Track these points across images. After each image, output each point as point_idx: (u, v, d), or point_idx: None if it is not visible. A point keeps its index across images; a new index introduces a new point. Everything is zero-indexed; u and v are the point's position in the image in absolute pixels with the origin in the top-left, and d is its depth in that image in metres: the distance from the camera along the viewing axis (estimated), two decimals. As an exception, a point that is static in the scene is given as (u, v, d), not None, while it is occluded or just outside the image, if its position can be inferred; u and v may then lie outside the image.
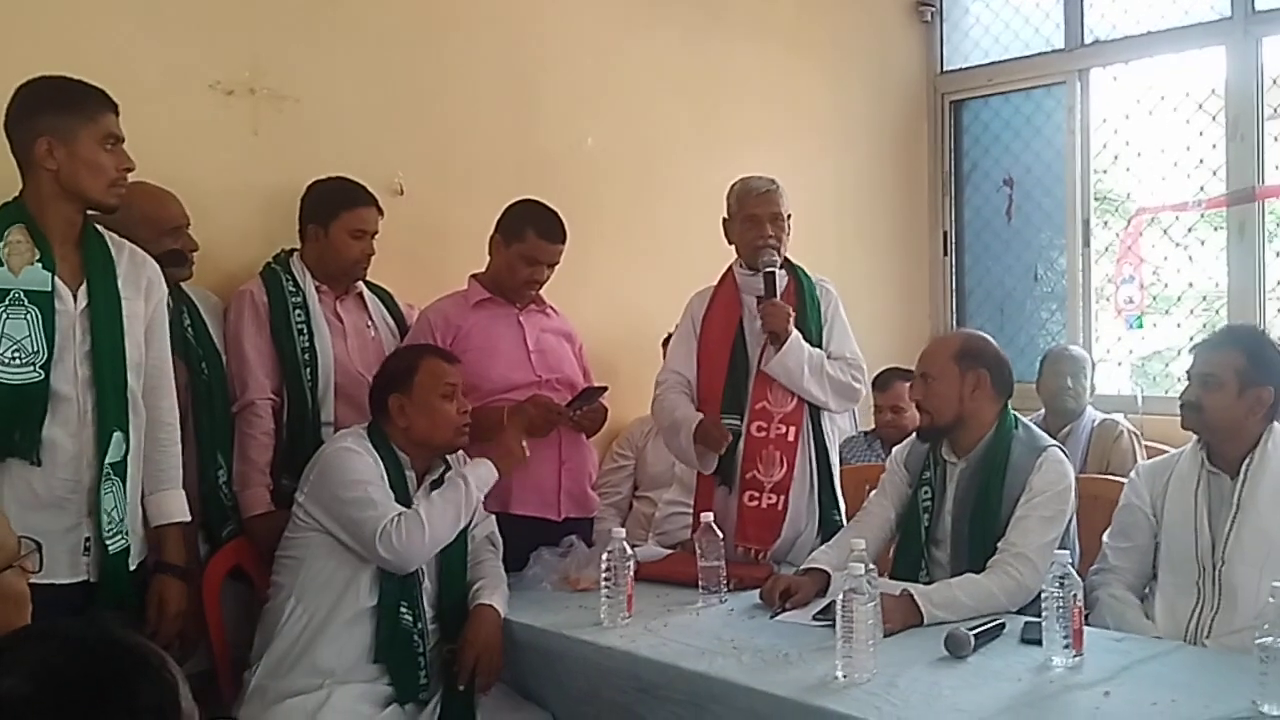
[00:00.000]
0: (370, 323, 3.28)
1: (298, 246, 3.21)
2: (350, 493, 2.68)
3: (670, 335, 3.74)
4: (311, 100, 3.46)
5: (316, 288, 3.17)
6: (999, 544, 2.75)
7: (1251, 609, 2.39)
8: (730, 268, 3.41)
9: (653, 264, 4.40)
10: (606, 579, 2.72)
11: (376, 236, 3.20)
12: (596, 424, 3.36)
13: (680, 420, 3.29)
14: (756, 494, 3.25)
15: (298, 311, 3.08)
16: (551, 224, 3.28)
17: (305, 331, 3.09)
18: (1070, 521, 2.84)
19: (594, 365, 3.55)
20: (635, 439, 4.29)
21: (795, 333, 3.21)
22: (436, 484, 2.83)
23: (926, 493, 2.96)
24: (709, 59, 4.63)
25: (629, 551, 2.77)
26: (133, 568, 2.49)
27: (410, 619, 2.67)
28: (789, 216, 3.33)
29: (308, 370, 3.07)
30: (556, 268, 3.34)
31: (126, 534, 2.44)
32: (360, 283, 3.28)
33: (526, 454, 2.96)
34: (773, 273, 3.24)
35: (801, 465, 3.27)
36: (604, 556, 2.74)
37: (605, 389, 3.32)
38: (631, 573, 2.76)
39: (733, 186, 3.37)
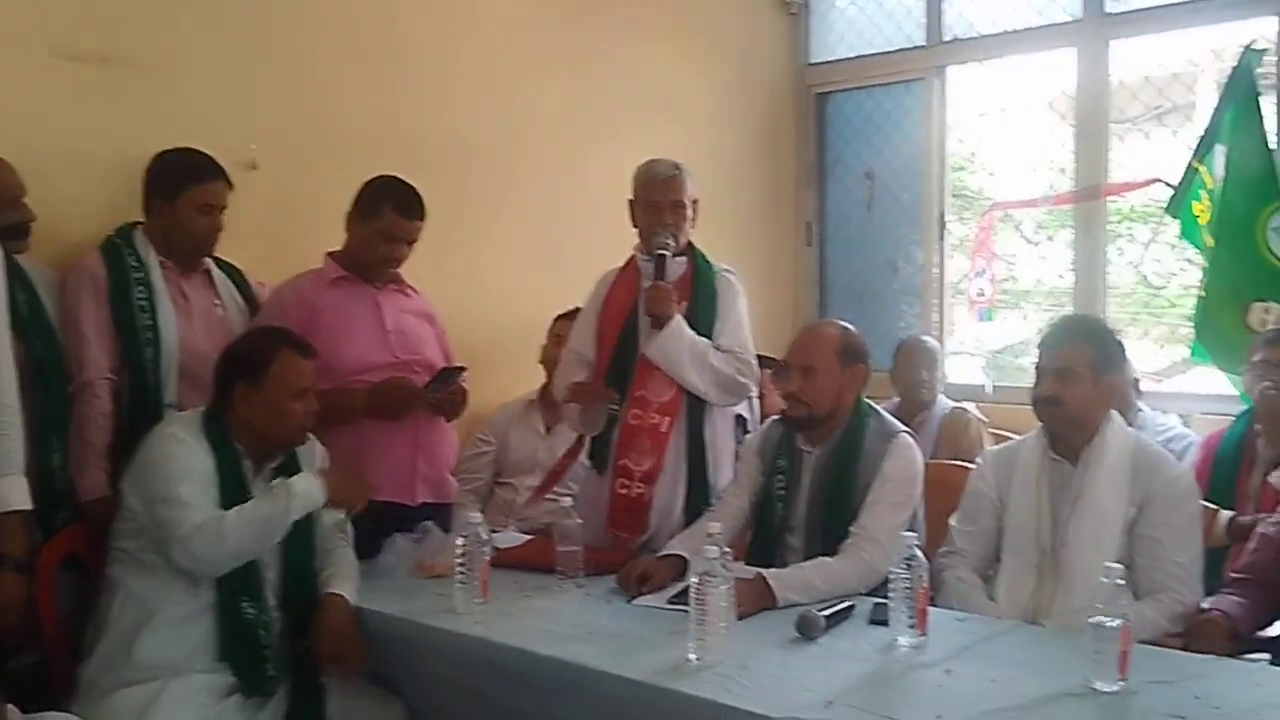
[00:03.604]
0: (218, 301, 3.16)
1: (142, 220, 3.08)
2: (162, 488, 2.54)
3: (560, 315, 3.69)
4: (160, 67, 3.32)
5: (161, 263, 3.04)
6: (851, 527, 2.81)
7: (1087, 590, 2.47)
8: (634, 252, 3.39)
9: (520, 246, 4.35)
10: (461, 565, 2.68)
11: (226, 211, 3.09)
12: (456, 407, 3.30)
13: (568, 395, 3.28)
14: (627, 482, 3.23)
15: (140, 288, 2.95)
16: (410, 201, 3.21)
17: (148, 309, 2.97)
18: (918, 506, 2.91)
19: (457, 348, 3.48)
20: (498, 424, 4.24)
21: (678, 318, 3.19)
22: (279, 471, 2.75)
23: (781, 481, 2.99)
24: (579, 41, 4.60)
25: (485, 536, 2.73)
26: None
27: (254, 612, 2.59)
28: (694, 202, 3.31)
29: (149, 349, 2.94)
30: (416, 247, 3.27)
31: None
32: (208, 259, 3.16)
33: (367, 500, 2.81)
34: (664, 256, 3.22)
35: (674, 458, 3.25)
36: (459, 542, 2.70)
37: (464, 370, 3.26)
38: (487, 558, 2.73)
39: (638, 170, 3.34)
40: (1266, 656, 2.54)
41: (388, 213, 3.18)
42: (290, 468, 2.78)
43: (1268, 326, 3.97)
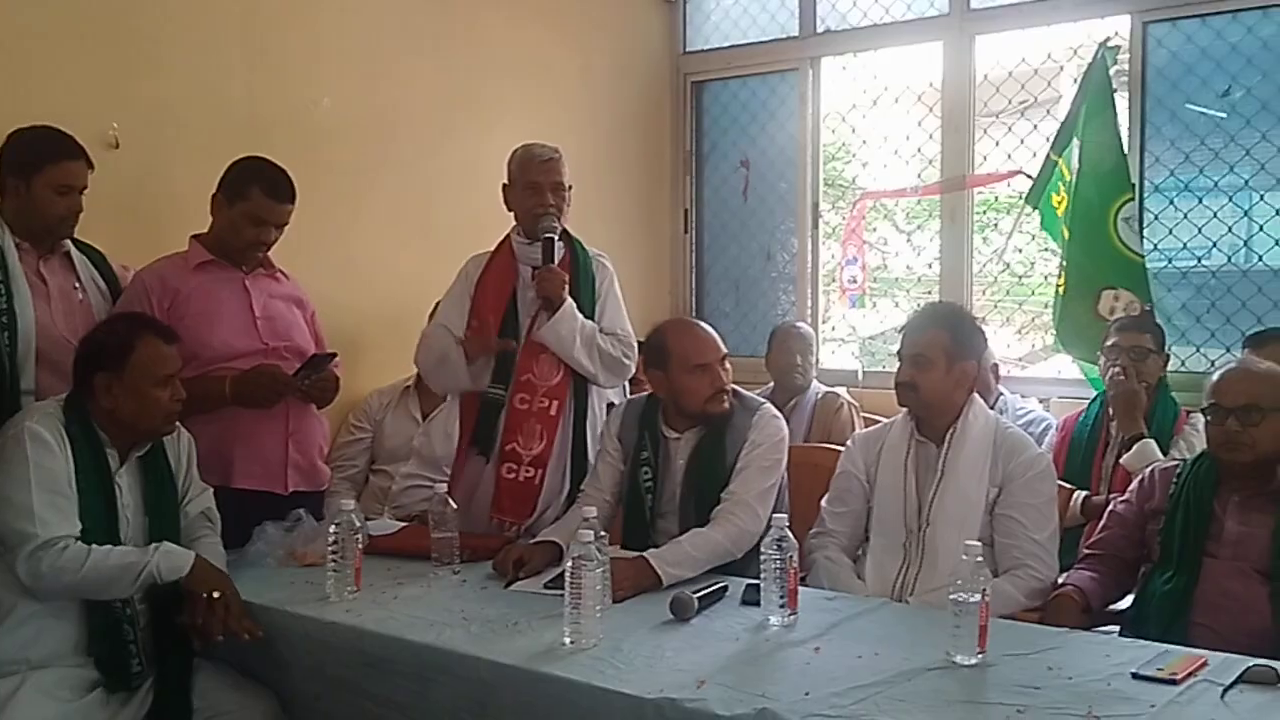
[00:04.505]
0: (78, 284, 3.03)
1: (-4, 201, 2.95)
2: (12, 491, 2.43)
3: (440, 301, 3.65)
4: (14, 43, 3.18)
5: (17, 245, 2.90)
6: (723, 495, 2.87)
7: (950, 568, 2.55)
8: (508, 235, 3.36)
9: (389, 230, 4.30)
10: (333, 553, 2.65)
11: (86, 192, 2.97)
12: (327, 394, 3.24)
13: (448, 346, 3.24)
14: (515, 466, 3.22)
15: (-7, 271, 2.82)
16: (279, 182, 3.13)
17: (3, 292, 2.82)
18: (784, 482, 2.99)
19: (328, 335, 3.42)
20: (373, 411, 4.20)
21: (570, 301, 3.20)
22: (145, 460, 2.67)
23: (647, 472, 3.02)
24: (449, 22, 4.55)
25: (358, 524, 2.70)
26: None
27: (119, 605, 2.50)
28: (569, 187, 3.31)
29: (5, 334, 2.80)
30: (286, 230, 3.20)
31: None
32: (67, 241, 3.03)
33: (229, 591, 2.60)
34: (551, 239, 3.21)
35: (561, 440, 3.26)
36: (332, 530, 2.66)
37: (335, 356, 3.21)
38: (360, 546, 2.70)
39: (514, 152, 3.32)
40: (1116, 629, 2.67)
41: (255, 195, 3.10)
42: (156, 457, 2.70)
43: (1116, 314, 4.16)
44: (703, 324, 3.13)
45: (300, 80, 4.02)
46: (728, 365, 3.02)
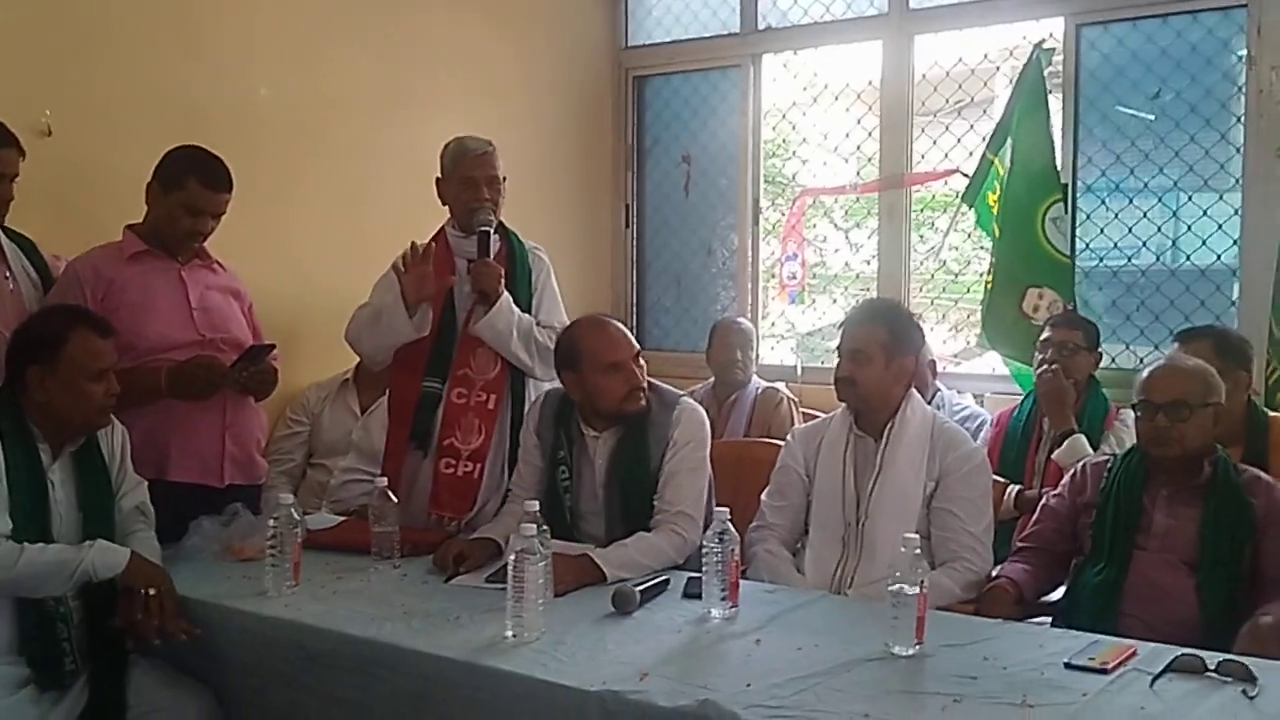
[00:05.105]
0: (9, 274, 2.97)
1: (-78, 189, 2.87)
2: None
3: None
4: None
5: (-56, 234, 2.85)
6: (656, 502, 2.87)
7: (888, 560, 2.59)
8: (442, 229, 3.33)
9: (325, 222, 4.26)
10: (272, 547, 2.62)
11: (17, 180, 2.90)
12: (265, 386, 3.21)
13: (380, 305, 3.20)
14: (453, 461, 3.21)
15: (-80, 259, 2.76)
16: (216, 171, 3.08)
17: (-70, 282, 2.78)
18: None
19: (267, 328, 3.38)
20: (311, 404, 4.16)
21: (506, 295, 3.18)
22: (79, 455, 2.62)
23: (564, 471, 2.98)
24: (386, 13, 4.51)
25: (297, 518, 2.67)
26: None
27: (52, 602, 2.45)
28: (504, 179, 3.29)
29: (-67, 325, 2.76)
30: (223, 220, 3.15)
31: None
32: (-3, 230, 2.97)
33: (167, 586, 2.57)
34: (487, 233, 3.20)
35: (499, 434, 3.25)
36: (271, 523, 2.64)
37: (273, 347, 3.17)
38: (299, 540, 2.67)
39: (447, 146, 3.30)
40: (1048, 620, 2.72)
41: (192, 184, 3.05)
42: (90, 452, 2.65)
43: (1039, 311, 4.24)
44: (614, 321, 3.05)
45: (237, 69, 3.96)
46: (642, 362, 2.97)
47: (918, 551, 2.19)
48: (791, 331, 5.73)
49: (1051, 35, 4.53)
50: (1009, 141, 4.38)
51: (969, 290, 5.52)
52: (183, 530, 2.94)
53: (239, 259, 3.37)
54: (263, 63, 4.05)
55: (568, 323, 3.29)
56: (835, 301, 5.71)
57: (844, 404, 2.97)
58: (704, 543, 2.42)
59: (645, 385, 2.96)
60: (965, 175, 4.65)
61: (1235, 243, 4.27)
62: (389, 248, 3.41)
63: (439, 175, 3.31)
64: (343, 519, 3.34)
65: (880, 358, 2.86)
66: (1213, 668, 2.03)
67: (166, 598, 2.49)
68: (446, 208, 3.33)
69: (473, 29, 4.87)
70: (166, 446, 3.01)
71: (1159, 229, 4.45)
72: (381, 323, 3.21)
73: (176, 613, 2.49)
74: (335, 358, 4.05)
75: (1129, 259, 4.49)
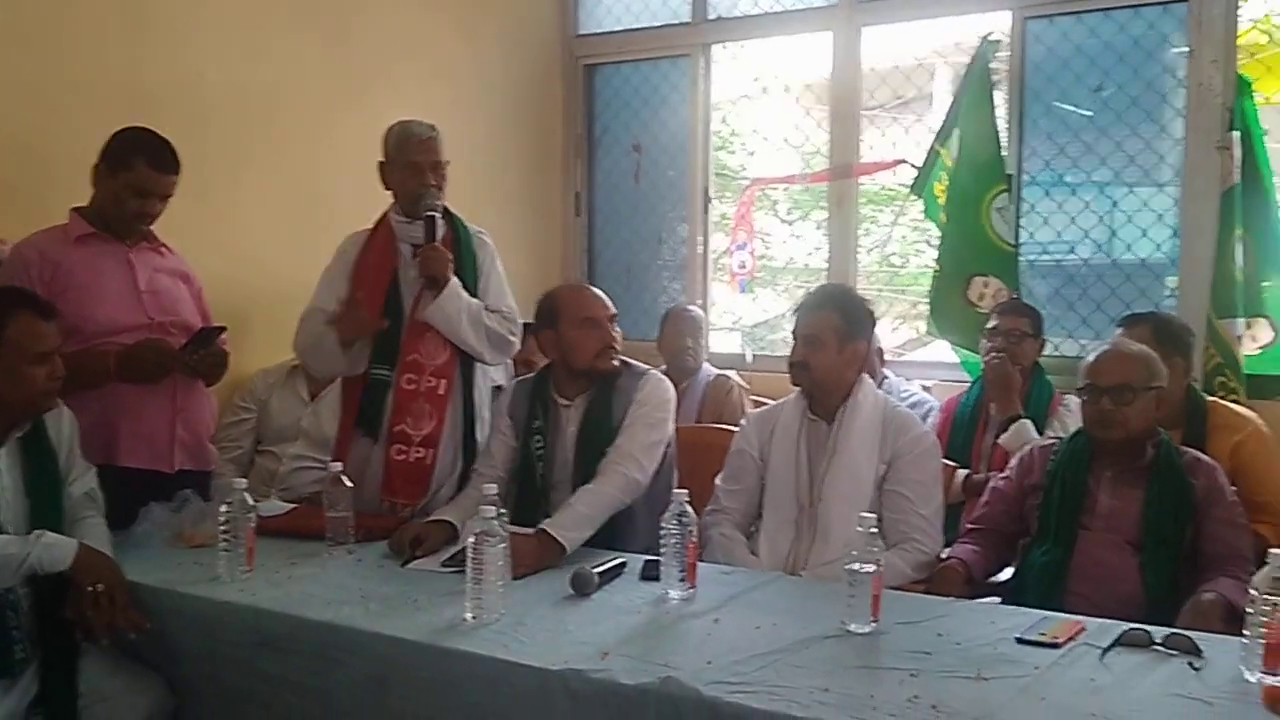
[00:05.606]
0: (-50, 257, 2.92)
1: None
2: None
3: None
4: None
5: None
6: (608, 451, 2.90)
7: (841, 541, 2.64)
8: (386, 214, 3.31)
9: (280, 208, 4.21)
10: (225, 532, 2.60)
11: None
12: (215, 370, 3.18)
13: (322, 332, 3.18)
14: (405, 448, 3.19)
15: None
16: (163, 153, 3.04)
17: None
18: (672, 442, 3.06)
19: (215, 314, 3.34)
20: (259, 390, 4.11)
21: (454, 280, 3.17)
22: (25, 440, 2.58)
23: (539, 441, 3.03)
24: (343, 2, 4.47)
25: (250, 503, 2.65)
26: None
27: (1, 591, 2.41)
28: (448, 163, 3.28)
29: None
30: (169, 204, 3.11)
31: None
32: (-62, 212, 2.91)
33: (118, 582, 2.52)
34: (434, 217, 3.17)
35: (451, 419, 3.24)
36: (223, 508, 2.61)
37: (223, 330, 3.14)
38: (252, 525, 2.65)
39: (390, 130, 3.26)
40: (998, 599, 2.77)
41: (139, 165, 3.01)
42: (38, 438, 2.61)
43: (985, 300, 4.32)
44: (593, 287, 3.21)
45: (183, 51, 3.89)
46: (618, 328, 3.08)
47: (874, 530, 2.22)
48: (739, 323, 5.77)
49: (998, 29, 4.59)
50: (956, 132, 4.44)
51: (916, 280, 5.60)
52: (132, 517, 2.90)
53: (185, 244, 3.32)
54: (210, 45, 3.99)
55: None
56: (781, 294, 5.76)
57: (798, 388, 3.00)
58: (663, 524, 2.43)
59: (619, 347, 3.03)
60: (913, 166, 4.71)
61: (1175, 234, 4.37)
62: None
63: (382, 159, 3.28)
64: (292, 507, 3.31)
65: (834, 342, 2.90)
66: (1159, 641, 2.09)
67: (116, 592, 2.45)
68: (390, 192, 3.30)
69: (422, 15, 4.84)
70: (115, 431, 2.97)
71: (1101, 220, 4.53)
72: (321, 353, 3.22)
73: (127, 606, 2.46)
74: (283, 344, 3.95)
75: (1072, 249, 4.57)
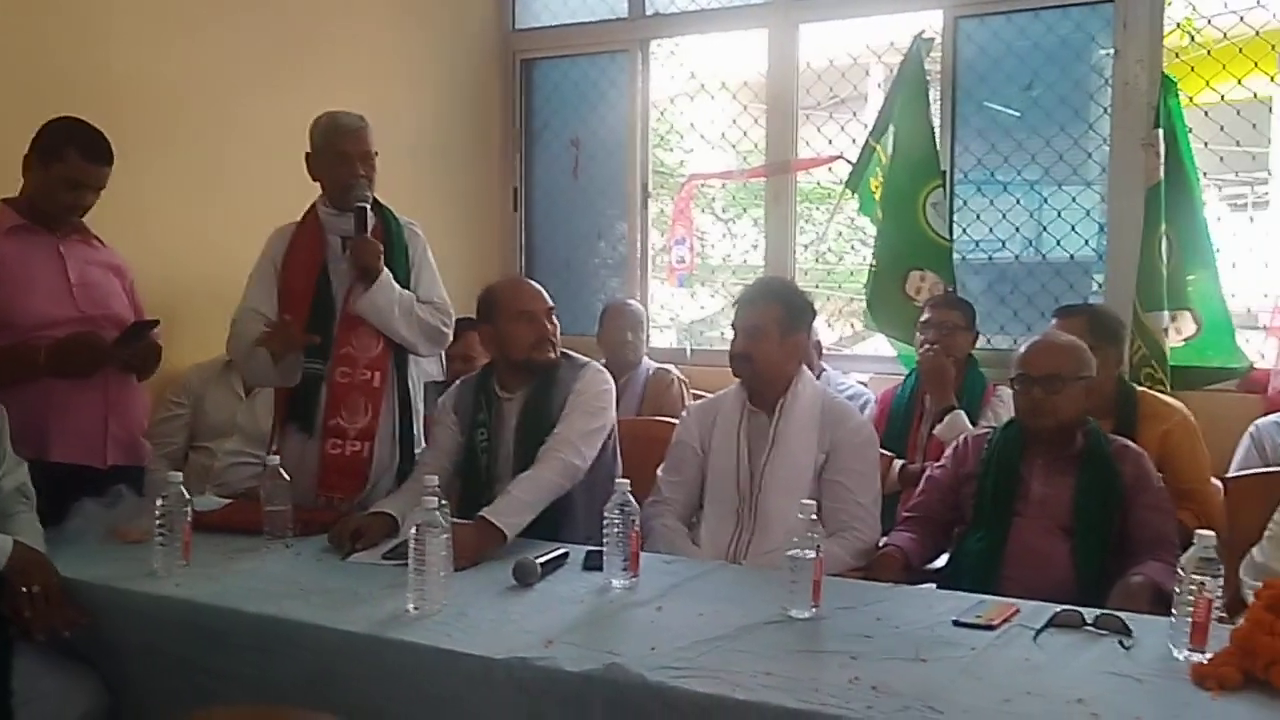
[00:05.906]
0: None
1: None
2: None
3: None
4: None
5: None
6: (546, 439, 2.91)
7: (782, 531, 2.65)
8: (313, 206, 3.27)
9: (218, 200, 4.15)
10: (161, 527, 2.56)
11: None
12: (148, 364, 3.14)
13: (252, 349, 3.13)
14: (340, 441, 3.16)
15: None
16: (96, 143, 2.99)
17: None
18: (614, 433, 3.08)
19: (150, 306, 3.29)
20: (193, 385, 4.05)
21: (386, 271, 3.14)
22: None
23: (483, 434, 3.04)
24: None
25: (186, 496, 2.62)
26: None
27: None
28: (376, 155, 3.25)
29: None
30: (103, 195, 3.06)
31: None
32: None
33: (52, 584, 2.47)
34: (364, 209, 3.14)
35: (387, 411, 3.22)
36: (158, 503, 2.58)
37: (157, 323, 3.09)
38: (188, 519, 2.62)
39: (318, 121, 3.22)
40: (934, 584, 2.83)
41: (71, 156, 2.96)
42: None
43: (921, 294, 4.39)
44: (532, 281, 3.23)
45: (96, 37, 3.80)
46: (555, 320, 3.10)
47: (814, 517, 2.25)
48: (676, 321, 5.80)
49: (931, 27, 4.66)
50: (891, 129, 4.51)
51: (851, 274, 5.67)
52: (65, 512, 2.85)
53: (121, 236, 3.27)
54: (124, 31, 3.90)
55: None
56: (716, 293, 5.80)
57: (739, 380, 3.03)
58: (605, 514, 2.45)
59: (556, 340, 3.05)
60: (849, 162, 4.77)
61: (1102, 230, 4.47)
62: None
63: (309, 150, 3.24)
64: (228, 502, 3.27)
65: (775, 334, 2.94)
66: (1091, 622, 2.15)
67: (51, 592, 2.41)
68: (318, 184, 3.26)
69: (352, 5, 4.79)
70: (46, 426, 2.91)
71: (1031, 216, 4.63)
72: (255, 364, 3.18)
73: (61, 604, 2.42)
74: (214, 339, 3.90)
75: (1003, 244, 4.66)
